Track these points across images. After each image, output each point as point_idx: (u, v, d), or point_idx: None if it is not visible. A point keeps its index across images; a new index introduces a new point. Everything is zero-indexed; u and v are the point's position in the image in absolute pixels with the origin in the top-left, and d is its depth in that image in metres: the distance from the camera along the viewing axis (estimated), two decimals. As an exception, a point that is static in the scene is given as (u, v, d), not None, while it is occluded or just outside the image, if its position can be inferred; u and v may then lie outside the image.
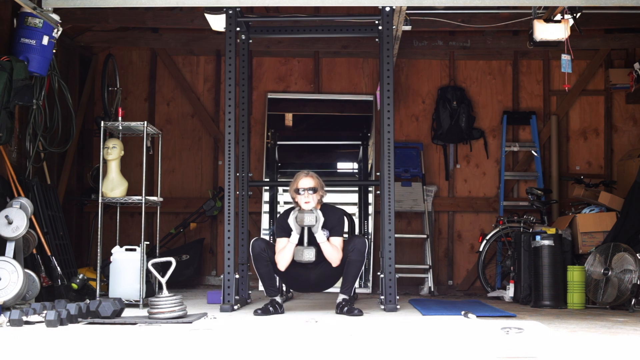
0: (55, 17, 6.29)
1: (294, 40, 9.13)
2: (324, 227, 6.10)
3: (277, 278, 6.34)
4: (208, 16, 7.59)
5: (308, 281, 6.25)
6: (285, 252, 6.10)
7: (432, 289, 8.65)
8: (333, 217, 6.20)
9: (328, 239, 6.11)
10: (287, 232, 6.15)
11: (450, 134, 9.05)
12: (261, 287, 6.27)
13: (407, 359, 3.75)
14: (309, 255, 6.04)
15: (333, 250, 6.09)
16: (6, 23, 7.01)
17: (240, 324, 5.37)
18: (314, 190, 6.13)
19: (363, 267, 6.22)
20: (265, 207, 9.02)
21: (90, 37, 9.06)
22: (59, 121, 7.60)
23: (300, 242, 6.11)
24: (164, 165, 8.82)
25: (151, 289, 6.80)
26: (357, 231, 8.72)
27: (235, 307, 6.31)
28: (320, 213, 6.09)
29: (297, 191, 6.15)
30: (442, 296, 8.43)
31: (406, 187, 9.00)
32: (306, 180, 6.16)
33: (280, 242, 6.18)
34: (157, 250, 7.33)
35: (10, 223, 6.18)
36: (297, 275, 6.21)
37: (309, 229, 6.08)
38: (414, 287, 8.86)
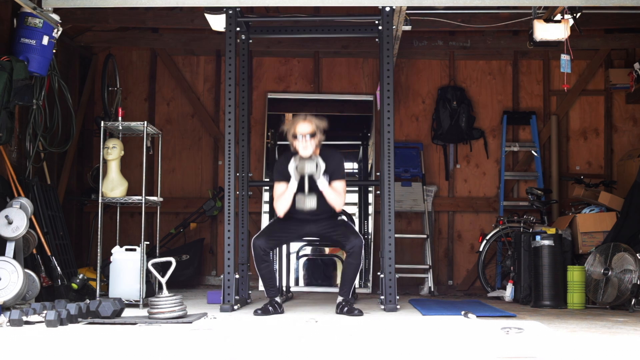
0: (55, 17, 6.29)
1: (294, 40, 9.12)
2: (324, 172, 5.94)
3: (277, 276, 6.33)
4: (208, 16, 7.59)
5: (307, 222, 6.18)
6: (284, 198, 5.97)
7: (432, 289, 8.64)
8: (332, 161, 6.03)
9: (330, 183, 5.97)
10: (286, 177, 5.98)
11: (450, 134, 9.05)
12: (261, 287, 6.26)
13: (407, 359, 3.75)
14: (310, 203, 5.88)
15: (336, 195, 5.96)
16: (6, 23, 7.01)
17: (240, 324, 5.37)
18: (312, 135, 5.95)
19: (362, 266, 6.20)
20: (265, 207, 9.02)
21: (90, 37, 9.06)
22: (59, 121, 7.60)
23: (301, 189, 5.94)
24: (164, 165, 8.81)
25: (151, 289, 6.80)
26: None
27: (235, 307, 6.31)
28: (320, 159, 5.91)
29: (295, 136, 5.96)
30: (442, 296, 8.43)
31: (406, 187, 9.00)
32: (304, 126, 5.96)
33: (279, 187, 6.02)
34: (157, 250, 7.32)
35: (10, 223, 6.18)
36: (294, 226, 6.14)
37: (310, 176, 5.91)
38: (414, 287, 8.85)
